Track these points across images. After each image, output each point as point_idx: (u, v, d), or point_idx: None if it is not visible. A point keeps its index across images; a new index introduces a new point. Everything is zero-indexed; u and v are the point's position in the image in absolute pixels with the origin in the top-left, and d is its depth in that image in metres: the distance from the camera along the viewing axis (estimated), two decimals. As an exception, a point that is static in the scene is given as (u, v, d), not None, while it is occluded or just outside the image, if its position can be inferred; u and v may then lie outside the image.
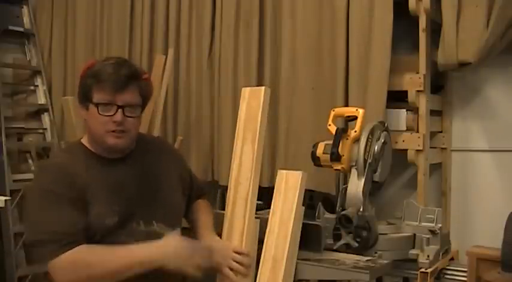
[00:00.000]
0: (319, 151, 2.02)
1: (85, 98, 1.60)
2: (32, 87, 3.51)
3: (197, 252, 1.58)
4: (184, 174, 1.86)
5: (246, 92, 1.98)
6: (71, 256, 1.49)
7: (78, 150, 1.67)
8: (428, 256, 1.87)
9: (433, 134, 2.37)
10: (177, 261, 1.53)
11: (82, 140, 1.70)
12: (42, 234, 1.52)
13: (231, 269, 1.69)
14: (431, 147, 2.31)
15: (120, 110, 1.57)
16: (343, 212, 1.88)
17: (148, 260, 1.52)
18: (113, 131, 1.58)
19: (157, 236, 1.63)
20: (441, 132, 2.46)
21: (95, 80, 1.57)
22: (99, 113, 1.57)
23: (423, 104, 2.20)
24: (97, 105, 1.57)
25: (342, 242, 1.92)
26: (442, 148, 2.45)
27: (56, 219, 1.52)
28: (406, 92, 2.20)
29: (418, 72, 2.19)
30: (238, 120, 1.97)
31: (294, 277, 1.83)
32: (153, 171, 1.72)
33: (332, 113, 2.02)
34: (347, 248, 1.93)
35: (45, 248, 1.50)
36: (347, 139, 1.94)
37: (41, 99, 3.48)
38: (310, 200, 2.38)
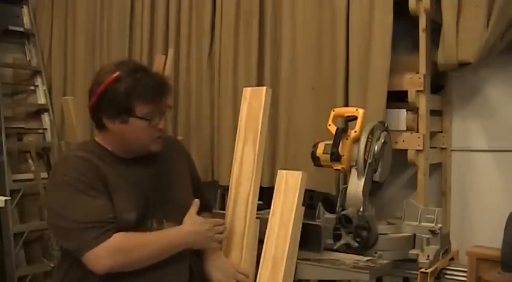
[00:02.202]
0: (319, 151, 2.02)
1: (122, 112, 1.59)
2: (32, 87, 3.51)
3: (211, 224, 1.72)
4: (194, 176, 1.89)
5: (247, 92, 1.98)
6: (115, 241, 1.54)
7: (94, 147, 1.69)
8: (428, 256, 1.87)
9: (433, 134, 2.37)
10: (198, 239, 1.69)
11: (97, 139, 1.71)
12: (80, 222, 1.53)
13: None
14: (431, 147, 2.31)
15: (163, 117, 1.65)
16: (343, 212, 1.88)
17: (178, 243, 1.65)
18: (158, 137, 1.65)
19: None
20: (441, 132, 2.46)
21: (136, 94, 1.58)
22: (151, 126, 1.62)
23: (423, 104, 2.19)
24: (147, 118, 1.61)
25: (342, 242, 1.92)
26: (442, 148, 2.45)
27: (91, 207, 1.55)
28: (406, 92, 2.20)
29: (418, 72, 2.19)
30: (239, 120, 1.97)
31: (294, 277, 1.83)
32: (166, 169, 1.74)
33: (332, 113, 2.02)
34: (347, 248, 1.93)
35: (87, 235, 1.52)
36: (347, 139, 1.94)
37: (41, 99, 3.49)
38: (310, 200, 2.38)
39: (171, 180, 1.74)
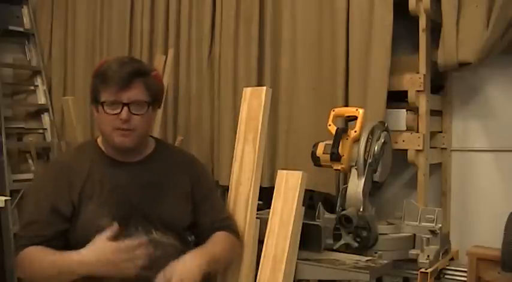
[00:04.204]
0: (319, 151, 2.02)
1: (94, 99, 1.62)
2: (32, 87, 3.52)
3: (124, 253, 1.48)
4: (197, 196, 1.76)
5: (247, 92, 1.98)
6: (25, 252, 1.55)
7: (90, 148, 1.71)
8: (428, 256, 1.87)
9: (433, 134, 2.37)
10: (105, 269, 1.47)
11: (98, 139, 1.73)
12: (21, 229, 1.63)
13: None
14: (431, 147, 2.31)
15: (125, 108, 1.57)
16: (343, 212, 1.88)
17: (73, 272, 1.49)
18: (120, 129, 1.58)
19: (157, 244, 1.62)
20: (441, 132, 2.46)
21: (101, 79, 1.59)
22: (105, 112, 1.58)
23: (423, 104, 2.19)
24: (102, 104, 1.58)
25: (342, 242, 1.92)
26: (442, 148, 2.45)
27: (34, 217, 1.59)
28: (406, 92, 2.20)
29: (418, 72, 2.19)
30: (239, 120, 1.97)
31: (294, 277, 1.83)
32: (161, 180, 1.69)
33: (332, 113, 2.02)
34: (347, 248, 1.93)
35: (18, 242, 1.59)
36: (347, 139, 1.94)
37: (41, 99, 3.49)
38: (310, 200, 2.38)
39: (163, 192, 1.69)
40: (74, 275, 1.50)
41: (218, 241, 1.71)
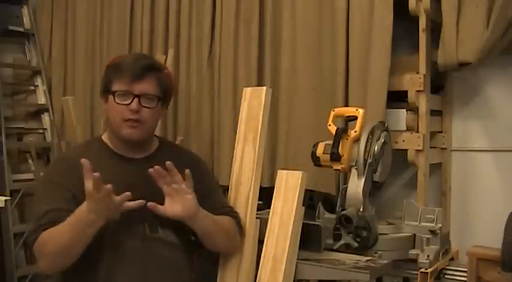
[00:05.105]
0: (319, 151, 2.02)
1: (106, 89, 1.65)
2: (32, 87, 3.51)
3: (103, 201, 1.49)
4: (200, 192, 1.75)
5: (247, 92, 1.98)
6: (40, 238, 1.54)
7: (96, 145, 1.73)
8: (428, 256, 1.87)
9: (433, 134, 2.37)
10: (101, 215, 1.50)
11: (102, 136, 1.75)
12: (36, 221, 1.59)
13: None
14: (431, 147, 2.31)
15: (136, 99, 1.61)
16: (343, 212, 1.88)
17: (80, 223, 1.50)
18: (129, 120, 1.61)
19: (164, 242, 1.65)
20: (441, 132, 2.46)
21: (114, 70, 1.63)
22: (116, 102, 1.61)
23: (423, 104, 2.19)
24: (114, 93, 1.61)
25: (342, 242, 1.92)
26: (442, 148, 2.45)
27: (50, 206, 1.58)
28: (406, 92, 2.20)
29: (418, 72, 2.19)
30: (239, 120, 1.98)
31: (294, 277, 1.83)
32: None
33: (332, 113, 2.02)
34: (347, 248, 1.93)
35: (34, 234, 1.56)
36: (347, 139, 1.94)
37: (41, 99, 3.48)
38: (310, 200, 2.38)
39: None
40: (92, 226, 1.49)
41: (222, 218, 1.76)
